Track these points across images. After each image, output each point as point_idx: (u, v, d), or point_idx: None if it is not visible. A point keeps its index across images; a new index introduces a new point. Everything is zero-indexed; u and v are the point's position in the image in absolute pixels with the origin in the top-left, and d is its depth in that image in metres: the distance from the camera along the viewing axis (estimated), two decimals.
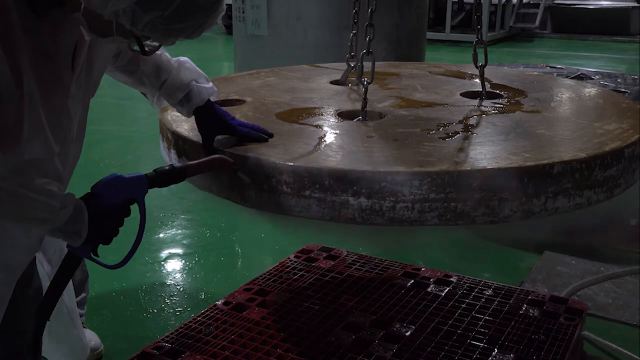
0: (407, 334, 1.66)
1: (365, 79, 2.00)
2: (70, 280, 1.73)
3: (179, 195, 4.19)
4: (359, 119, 1.98)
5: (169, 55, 1.79)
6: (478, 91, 2.30)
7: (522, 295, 1.88)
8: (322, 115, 2.06)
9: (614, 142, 1.72)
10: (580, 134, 1.82)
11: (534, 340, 1.65)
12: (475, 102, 2.23)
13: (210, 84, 1.81)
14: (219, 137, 1.76)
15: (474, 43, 2.22)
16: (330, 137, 1.82)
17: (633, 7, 12.79)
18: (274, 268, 2.05)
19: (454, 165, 1.55)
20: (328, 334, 1.66)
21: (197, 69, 1.82)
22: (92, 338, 2.50)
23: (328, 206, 1.55)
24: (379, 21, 2.10)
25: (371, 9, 2.07)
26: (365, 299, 1.85)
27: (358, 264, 2.07)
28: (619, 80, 4.89)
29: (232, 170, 1.63)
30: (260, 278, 1.98)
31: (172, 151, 1.88)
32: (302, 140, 1.77)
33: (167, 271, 3.31)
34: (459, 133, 1.84)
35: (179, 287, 3.15)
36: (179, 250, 3.55)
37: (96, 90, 1.61)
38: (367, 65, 2.08)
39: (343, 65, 2.58)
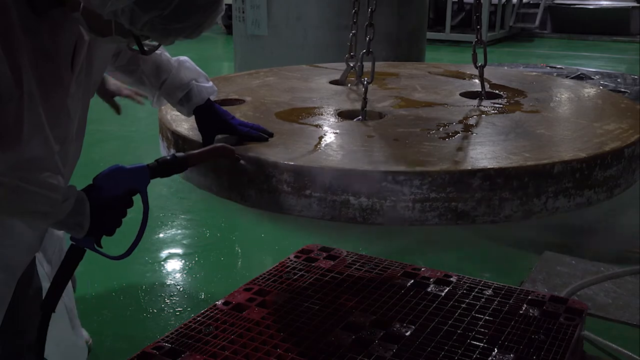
0: (407, 334, 1.66)
1: (365, 78, 2.00)
2: (70, 281, 1.73)
3: (179, 195, 4.19)
4: (359, 119, 1.98)
5: (168, 55, 1.79)
6: (477, 91, 2.30)
7: (522, 295, 1.88)
8: (322, 115, 2.06)
9: (614, 142, 1.72)
10: (580, 134, 1.82)
11: (534, 340, 1.65)
12: (475, 102, 2.23)
13: (210, 83, 1.81)
14: (219, 136, 1.76)
15: (474, 43, 2.22)
16: (330, 137, 1.82)
17: (633, 7, 12.79)
18: (274, 268, 2.05)
19: (455, 165, 1.55)
20: (328, 334, 1.66)
21: (197, 68, 1.82)
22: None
23: (329, 205, 1.55)
24: (378, 21, 2.10)
25: (371, 9, 2.07)
26: (365, 299, 1.84)
27: (358, 264, 2.07)
28: (618, 80, 4.90)
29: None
30: (260, 278, 1.98)
31: (172, 151, 1.88)
32: (302, 139, 1.77)
33: (167, 271, 3.31)
34: (459, 133, 1.84)
35: (179, 287, 3.15)
36: (179, 250, 3.55)
37: (96, 90, 1.60)
38: (366, 65, 2.08)
39: (342, 66, 2.58)
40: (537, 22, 12.65)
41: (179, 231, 3.80)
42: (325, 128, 1.91)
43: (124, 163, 1.51)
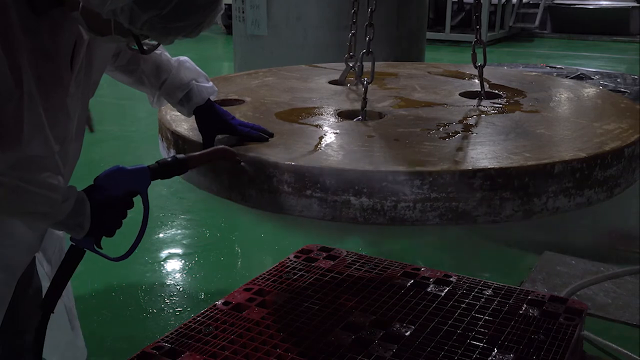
0: (407, 334, 1.66)
1: (365, 78, 2.00)
2: (70, 281, 1.72)
3: (179, 195, 4.19)
4: (359, 119, 1.98)
5: (168, 55, 1.79)
6: (477, 91, 2.30)
7: (521, 295, 1.88)
8: (321, 115, 2.05)
9: (614, 141, 1.72)
10: (580, 134, 1.82)
11: (533, 340, 1.65)
12: (474, 102, 2.23)
13: (211, 84, 1.81)
14: (219, 136, 1.76)
15: (473, 43, 2.22)
16: (330, 137, 1.82)
17: (633, 7, 12.79)
18: (273, 268, 2.05)
19: (455, 165, 1.55)
20: (328, 334, 1.66)
21: (197, 68, 1.82)
22: None
23: (329, 206, 1.55)
24: (378, 21, 2.10)
25: (371, 9, 2.07)
26: (365, 299, 1.84)
27: (358, 264, 2.07)
28: (618, 80, 4.90)
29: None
30: (260, 278, 1.98)
31: (172, 151, 1.88)
32: (302, 139, 1.77)
33: (167, 271, 3.31)
34: (459, 133, 1.84)
35: (178, 287, 3.15)
36: (179, 250, 3.55)
37: (96, 90, 1.60)
38: (366, 65, 2.08)
39: (341, 66, 2.58)
40: (536, 22, 12.66)
41: (179, 231, 3.80)
42: (326, 128, 1.91)
43: (124, 163, 1.51)
